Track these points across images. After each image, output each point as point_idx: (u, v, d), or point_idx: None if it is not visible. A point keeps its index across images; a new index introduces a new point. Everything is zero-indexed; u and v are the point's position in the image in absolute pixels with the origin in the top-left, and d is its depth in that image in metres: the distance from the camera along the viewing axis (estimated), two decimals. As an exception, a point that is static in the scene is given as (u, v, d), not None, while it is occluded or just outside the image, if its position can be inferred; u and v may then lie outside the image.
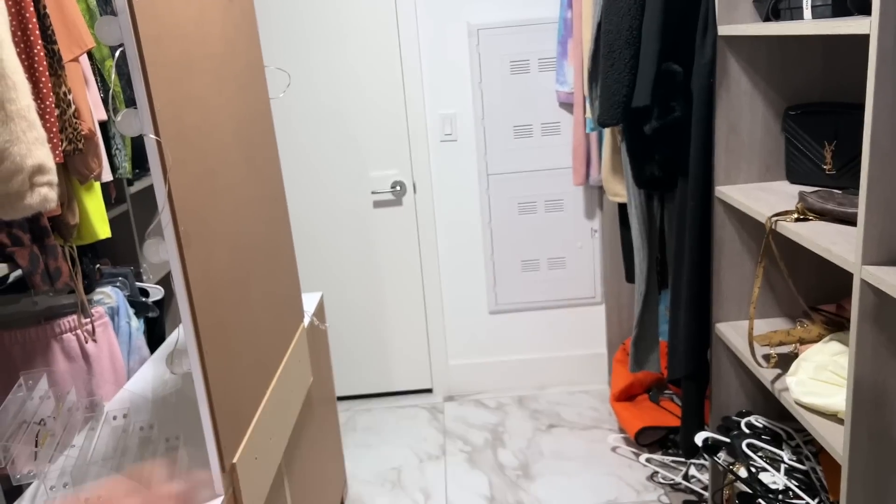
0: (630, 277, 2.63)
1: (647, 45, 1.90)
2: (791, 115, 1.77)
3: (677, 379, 2.17)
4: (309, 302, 2.46)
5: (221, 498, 1.42)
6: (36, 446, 1.32)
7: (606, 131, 2.48)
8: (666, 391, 2.94)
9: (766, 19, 1.68)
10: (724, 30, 1.75)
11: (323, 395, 2.47)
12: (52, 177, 1.50)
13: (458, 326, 3.45)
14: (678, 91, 1.90)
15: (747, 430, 1.91)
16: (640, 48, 1.94)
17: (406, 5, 3.06)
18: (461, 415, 3.30)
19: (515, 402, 3.37)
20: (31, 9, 1.62)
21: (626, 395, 2.95)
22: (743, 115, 1.82)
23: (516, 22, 3.07)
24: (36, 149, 1.46)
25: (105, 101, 1.97)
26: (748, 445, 1.82)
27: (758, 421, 1.93)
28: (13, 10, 1.58)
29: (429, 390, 3.54)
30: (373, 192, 3.29)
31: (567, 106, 3.14)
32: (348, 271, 3.38)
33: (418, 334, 3.46)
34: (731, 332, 1.91)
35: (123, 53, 1.22)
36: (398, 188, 3.28)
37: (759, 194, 1.77)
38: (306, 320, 2.26)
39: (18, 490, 1.87)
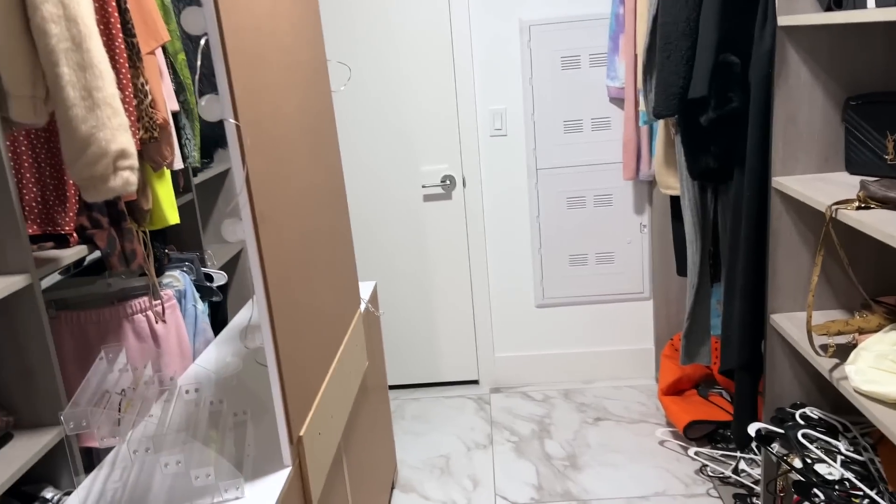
0: (681, 270, 2.64)
1: (705, 37, 1.91)
2: (852, 105, 1.77)
3: (729, 371, 2.17)
4: (364, 290, 2.52)
5: (289, 469, 1.48)
6: (119, 413, 1.40)
7: (659, 124, 2.49)
8: (715, 386, 2.93)
9: (828, 9, 1.68)
10: (784, 20, 1.75)
11: (376, 382, 2.53)
12: (134, 161, 1.58)
13: (505, 319, 3.48)
14: (736, 82, 1.91)
15: (802, 422, 1.91)
16: (698, 40, 1.95)
17: (459, 2, 3.11)
18: (507, 406, 3.33)
19: (562, 395, 3.39)
20: (114, 3, 1.71)
21: (674, 390, 2.95)
22: (802, 105, 1.82)
23: (568, 18, 3.10)
24: (120, 134, 1.54)
25: (177, 93, 2.06)
26: (804, 436, 1.82)
27: (813, 412, 1.92)
28: (97, 4, 1.67)
29: (475, 382, 3.59)
30: (423, 186, 3.34)
31: (617, 101, 3.16)
32: (398, 263, 3.45)
33: (466, 326, 3.51)
34: (787, 322, 1.91)
35: (207, 42, 1.29)
36: (448, 182, 3.33)
37: (817, 184, 1.77)
38: (362, 306, 2.32)
39: (90, 455, 1.97)
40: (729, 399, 2.85)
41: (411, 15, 3.16)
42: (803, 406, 1.96)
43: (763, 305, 2.01)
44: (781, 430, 1.91)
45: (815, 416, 1.91)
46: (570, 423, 3.14)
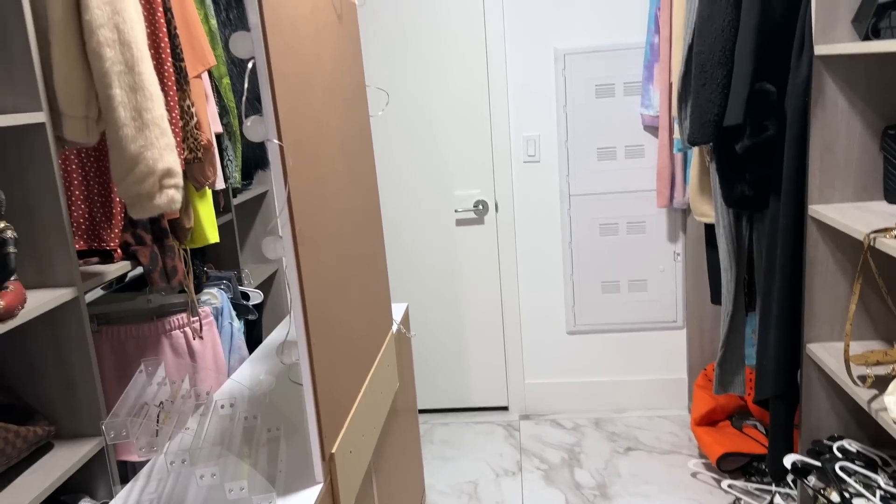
0: (716, 299, 2.62)
1: (741, 65, 1.92)
2: (890, 133, 1.76)
3: (764, 401, 2.14)
4: (396, 311, 2.54)
5: (321, 485, 1.49)
6: (157, 424, 1.43)
7: (694, 152, 2.49)
8: (750, 418, 2.88)
9: (866, 38, 1.68)
10: (821, 49, 1.75)
11: (406, 405, 2.54)
12: (179, 180, 1.64)
13: (535, 345, 3.47)
14: (771, 110, 1.91)
15: (839, 455, 1.87)
16: (733, 68, 1.96)
17: (495, 31, 3.16)
18: (537, 433, 3.31)
19: (592, 423, 3.36)
20: (164, 29, 1.78)
21: (707, 421, 2.91)
22: (839, 134, 1.81)
23: (602, 47, 3.13)
24: (166, 154, 1.60)
25: (221, 116, 2.13)
26: (841, 469, 1.79)
27: (851, 445, 1.88)
28: (149, 29, 1.74)
29: (504, 408, 3.57)
30: (455, 211, 3.37)
31: (652, 129, 3.17)
32: (429, 286, 3.47)
33: (496, 352, 3.51)
34: (824, 352, 1.88)
35: (254, 65, 1.34)
36: (480, 207, 3.36)
37: (855, 213, 1.75)
38: (394, 328, 2.34)
39: (125, 468, 2.00)
40: (764, 432, 2.80)
41: (447, 42, 3.21)
42: (841, 438, 1.92)
43: (799, 335, 1.98)
44: (818, 463, 1.87)
45: (853, 449, 1.87)
46: (600, 452, 3.10)
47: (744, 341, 2.35)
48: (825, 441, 1.95)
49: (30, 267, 1.61)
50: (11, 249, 1.39)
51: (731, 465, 2.74)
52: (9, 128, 1.54)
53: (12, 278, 1.42)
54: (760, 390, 2.09)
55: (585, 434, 3.27)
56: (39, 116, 1.53)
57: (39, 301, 1.52)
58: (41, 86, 1.54)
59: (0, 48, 1.49)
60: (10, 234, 1.40)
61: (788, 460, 1.93)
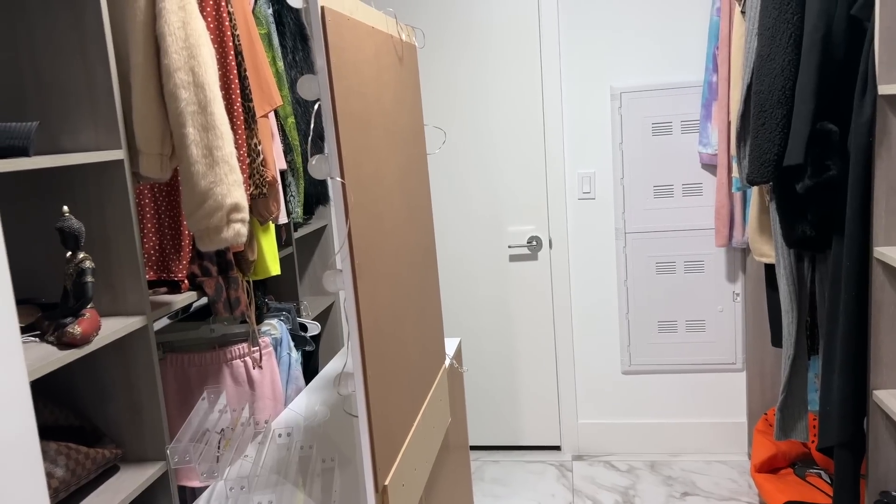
0: (776, 341, 2.55)
1: (801, 105, 1.90)
2: (960, 174, 1.71)
3: (828, 448, 2.06)
4: (449, 346, 2.56)
5: (373, 517, 1.51)
6: (218, 450, 1.48)
7: (754, 191, 2.46)
8: (814, 466, 2.78)
9: (932, 78, 1.65)
10: (885, 89, 1.73)
11: (457, 441, 2.54)
12: (245, 215, 1.71)
13: (589, 384, 3.43)
14: (834, 150, 1.88)
15: (910, 508, 1.79)
16: (794, 108, 1.94)
17: (551, 70, 3.20)
18: (590, 475, 3.25)
19: (647, 466, 3.28)
20: (235, 71, 1.87)
21: (768, 468, 2.81)
22: (905, 174, 1.77)
23: (659, 86, 3.13)
24: (234, 190, 1.67)
25: (285, 153, 2.21)
26: (912, 523, 1.71)
27: (922, 498, 1.80)
28: (221, 72, 1.83)
29: (557, 447, 3.52)
30: (509, 246, 3.39)
31: (710, 167, 3.14)
32: (482, 322, 3.48)
33: (548, 390, 3.48)
34: (892, 399, 1.81)
35: (320, 107, 1.40)
36: (534, 243, 3.37)
37: (923, 256, 1.70)
38: (447, 362, 2.35)
39: (183, 493, 2.06)
40: (828, 481, 2.69)
41: (503, 80, 3.27)
42: (911, 491, 1.84)
43: (865, 380, 1.92)
44: (887, 516, 1.80)
45: (925, 503, 1.79)
46: (655, 496, 3.02)
47: (806, 385, 2.28)
48: (893, 493, 1.87)
49: (104, 295, 1.69)
50: (89, 279, 1.47)
51: (793, 515, 2.64)
52: (92, 164, 1.64)
53: (89, 306, 1.50)
54: (824, 437, 2.02)
55: (640, 477, 3.19)
56: (118, 154, 1.63)
57: (112, 328, 1.60)
58: (121, 125, 1.63)
59: (87, 91, 1.60)
60: (88, 263, 1.48)
61: (855, 511, 1.86)
